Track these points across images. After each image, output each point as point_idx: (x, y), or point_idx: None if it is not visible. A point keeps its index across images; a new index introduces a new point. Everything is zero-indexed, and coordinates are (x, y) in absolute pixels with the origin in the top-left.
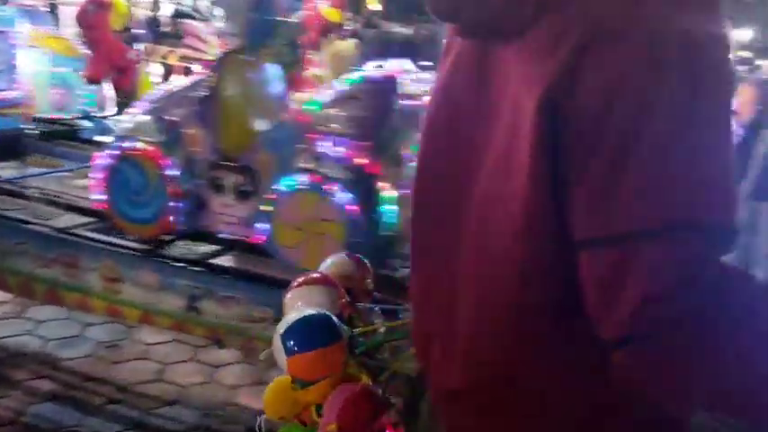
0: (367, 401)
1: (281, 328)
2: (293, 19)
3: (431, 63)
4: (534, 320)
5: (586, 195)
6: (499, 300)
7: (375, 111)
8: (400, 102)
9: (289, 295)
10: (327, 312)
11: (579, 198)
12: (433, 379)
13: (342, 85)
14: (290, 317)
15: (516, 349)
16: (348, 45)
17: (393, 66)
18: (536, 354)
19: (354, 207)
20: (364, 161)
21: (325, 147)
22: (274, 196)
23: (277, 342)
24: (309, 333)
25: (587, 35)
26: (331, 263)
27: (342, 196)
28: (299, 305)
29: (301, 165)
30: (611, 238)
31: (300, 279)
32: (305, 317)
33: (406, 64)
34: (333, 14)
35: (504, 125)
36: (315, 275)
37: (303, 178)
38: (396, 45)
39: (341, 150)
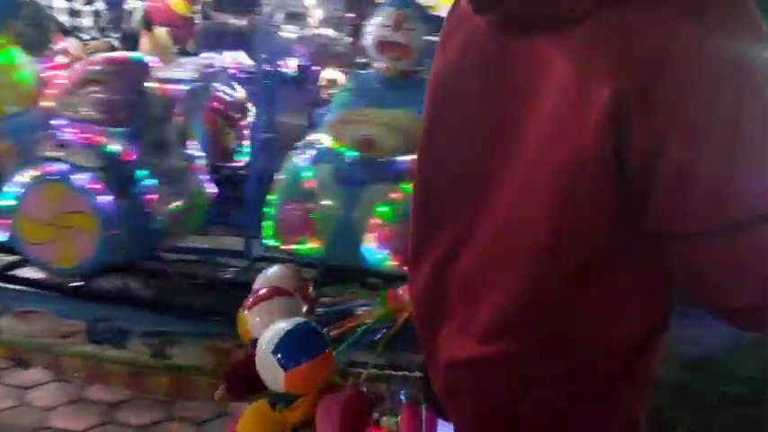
0: (361, 405)
1: (269, 345)
2: (138, 9)
3: (264, 55)
4: (571, 285)
5: (694, 190)
6: (542, 269)
7: (123, 94)
8: (159, 87)
9: (247, 313)
10: (308, 321)
11: (679, 192)
12: (443, 356)
13: (84, 67)
14: (274, 332)
15: (552, 310)
16: (162, 34)
17: (228, 57)
18: (568, 316)
19: (108, 197)
20: (118, 148)
21: (72, 133)
22: (16, 189)
23: (267, 360)
24: (302, 344)
25: (661, 46)
26: (272, 276)
27: (93, 186)
28: (257, 321)
29: (46, 153)
30: (735, 226)
31: (257, 295)
32: (291, 329)
33: (240, 55)
34: (180, 6)
35: (547, 108)
36: (270, 289)
37: (48, 168)
38: (229, 36)
39: (89, 137)
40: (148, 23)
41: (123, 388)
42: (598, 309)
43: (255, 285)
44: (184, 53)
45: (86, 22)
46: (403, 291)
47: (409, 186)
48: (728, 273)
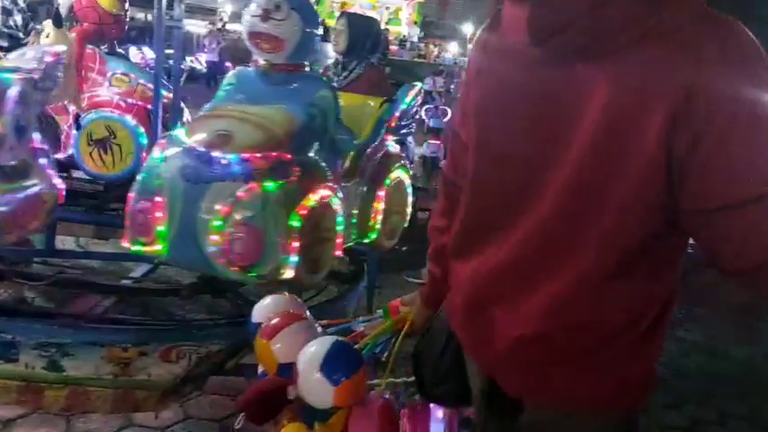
0: (391, 412)
1: (314, 364)
2: (61, 7)
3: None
4: (619, 269)
5: (722, 173)
6: (596, 253)
7: None
8: None
9: (271, 342)
10: (341, 339)
11: (713, 175)
12: (501, 332)
13: None
14: (314, 352)
15: (602, 290)
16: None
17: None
18: (624, 287)
19: None
20: None
21: None
22: None
23: (313, 378)
24: (345, 359)
25: (696, 72)
26: (272, 304)
27: None
28: (282, 348)
29: None
30: (752, 199)
31: (276, 324)
32: (332, 347)
33: (147, 50)
34: (107, 3)
35: (594, 122)
36: (285, 316)
37: None
38: (133, 31)
39: None
40: (60, 21)
41: (16, 404)
42: (645, 279)
43: (255, 317)
44: (113, 52)
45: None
46: (397, 304)
47: (262, 185)
48: (750, 235)
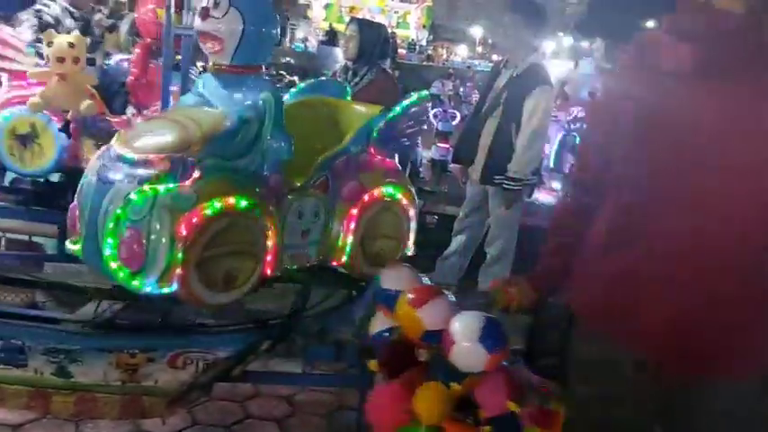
0: (514, 378)
1: (472, 335)
2: (126, 21)
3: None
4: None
5: None
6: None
7: None
8: None
9: (419, 311)
10: (489, 314)
11: None
12: (665, 311)
13: None
14: (470, 324)
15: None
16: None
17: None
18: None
19: None
20: None
21: None
22: None
23: (470, 346)
24: (499, 332)
25: None
26: (398, 275)
27: None
28: (429, 316)
29: None
30: None
31: (420, 296)
32: (487, 321)
33: None
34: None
35: (744, 131)
36: (427, 289)
37: None
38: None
39: None
40: (88, 30)
41: (25, 409)
42: None
43: (386, 283)
44: (174, 67)
45: None
46: (509, 284)
47: (152, 188)
48: None
